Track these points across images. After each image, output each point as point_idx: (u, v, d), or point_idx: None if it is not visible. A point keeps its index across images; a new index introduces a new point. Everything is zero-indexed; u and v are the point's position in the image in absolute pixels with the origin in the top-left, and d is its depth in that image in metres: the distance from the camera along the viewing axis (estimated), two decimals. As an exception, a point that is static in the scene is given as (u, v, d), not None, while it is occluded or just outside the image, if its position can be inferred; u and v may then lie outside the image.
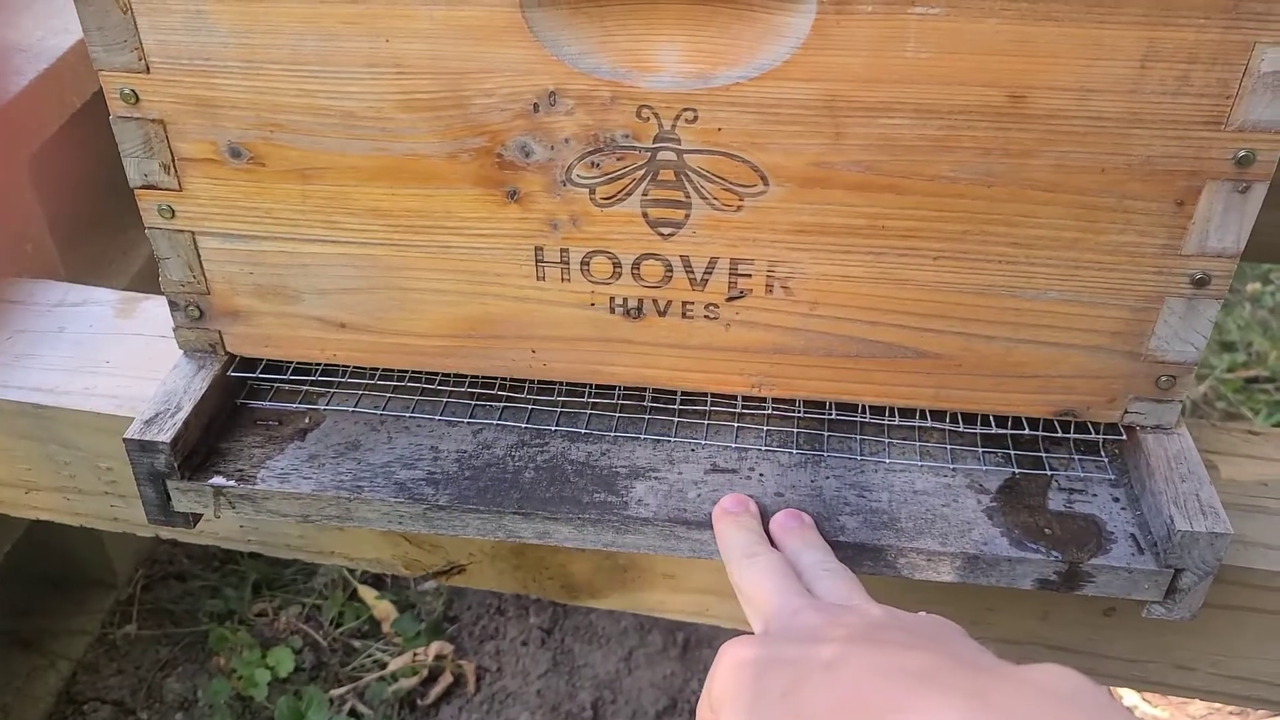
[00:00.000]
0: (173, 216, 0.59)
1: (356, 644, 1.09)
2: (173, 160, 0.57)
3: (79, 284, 0.83)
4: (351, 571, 1.13)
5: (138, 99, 0.55)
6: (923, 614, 0.47)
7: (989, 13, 0.48)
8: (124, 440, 0.59)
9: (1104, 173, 0.52)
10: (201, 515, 0.62)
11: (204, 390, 0.61)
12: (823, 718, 0.39)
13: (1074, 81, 0.49)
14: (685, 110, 0.52)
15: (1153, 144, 0.51)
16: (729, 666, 0.45)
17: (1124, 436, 0.60)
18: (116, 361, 0.73)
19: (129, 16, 0.53)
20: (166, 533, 0.74)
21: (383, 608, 1.10)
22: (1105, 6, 0.47)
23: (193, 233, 0.59)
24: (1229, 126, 0.50)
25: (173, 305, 0.62)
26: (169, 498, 0.60)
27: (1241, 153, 0.50)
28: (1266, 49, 0.47)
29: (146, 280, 1.00)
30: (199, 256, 0.60)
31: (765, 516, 0.57)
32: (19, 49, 0.87)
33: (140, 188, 0.58)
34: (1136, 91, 0.49)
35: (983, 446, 0.62)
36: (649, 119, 0.53)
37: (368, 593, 1.12)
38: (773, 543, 0.55)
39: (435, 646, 1.09)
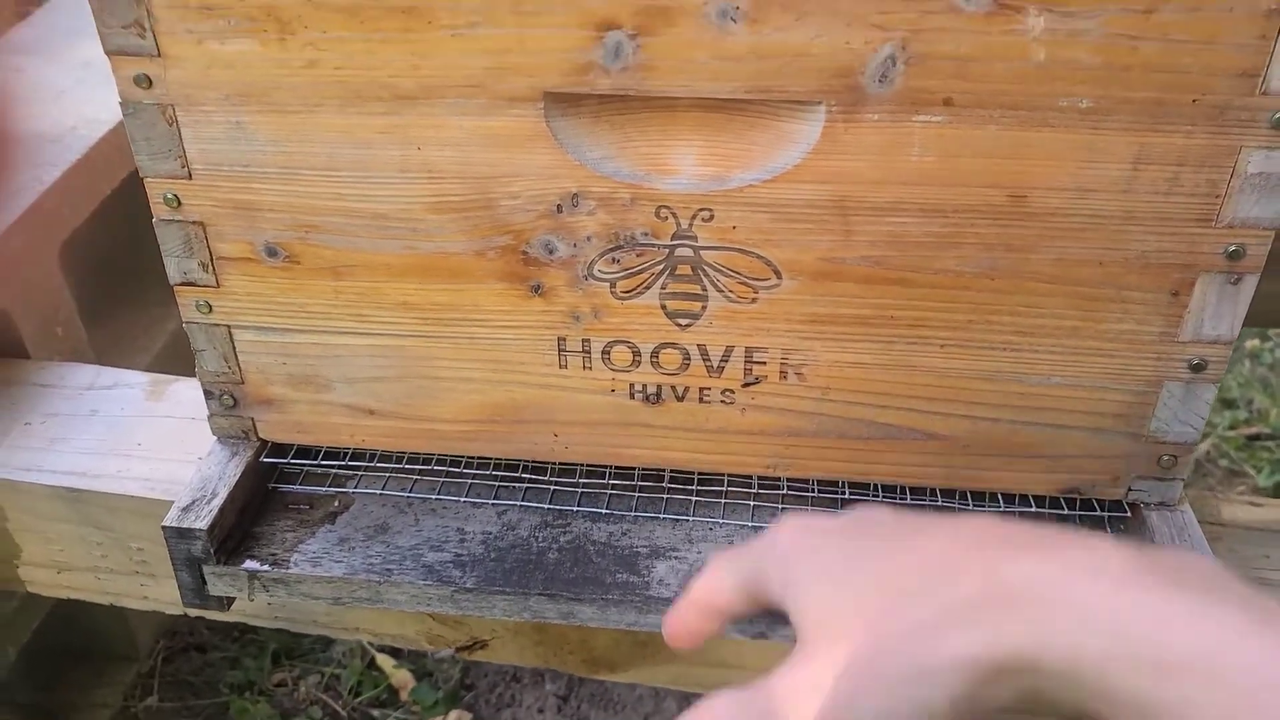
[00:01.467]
0: (210, 311, 0.61)
1: (375, 713, 1.10)
2: (211, 259, 0.60)
3: (107, 364, 0.86)
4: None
5: (180, 203, 0.58)
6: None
7: (988, 120, 0.51)
8: (163, 527, 0.61)
9: (1102, 266, 0.54)
10: (235, 598, 0.64)
11: (238, 476, 0.64)
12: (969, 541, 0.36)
13: (1070, 182, 0.52)
14: (701, 210, 0.55)
15: (1147, 239, 0.53)
16: (800, 529, 0.41)
17: (1129, 513, 0.62)
18: (148, 444, 0.76)
19: (174, 128, 0.55)
20: (198, 611, 0.76)
21: (401, 676, 1.11)
22: (1097, 114, 0.50)
23: (229, 326, 0.62)
24: (1219, 223, 0.52)
25: (208, 394, 0.65)
26: (204, 582, 0.62)
27: (1232, 247, 0.53)
28: (1252, 153, 0.50)
29: (170, 356, 1.02)
30: (234, 349, 0.63)
31: None
32: (52, 139, 0.90)
33: (180, 285, 0.61)
34: (1130, 191, 0.52)
35: (992, 523, 0.63)
36: (667, 218, 0.56)
37: (386, 661, 1.13)
38: None
39: (453, 715, 1.10)
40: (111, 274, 1.01)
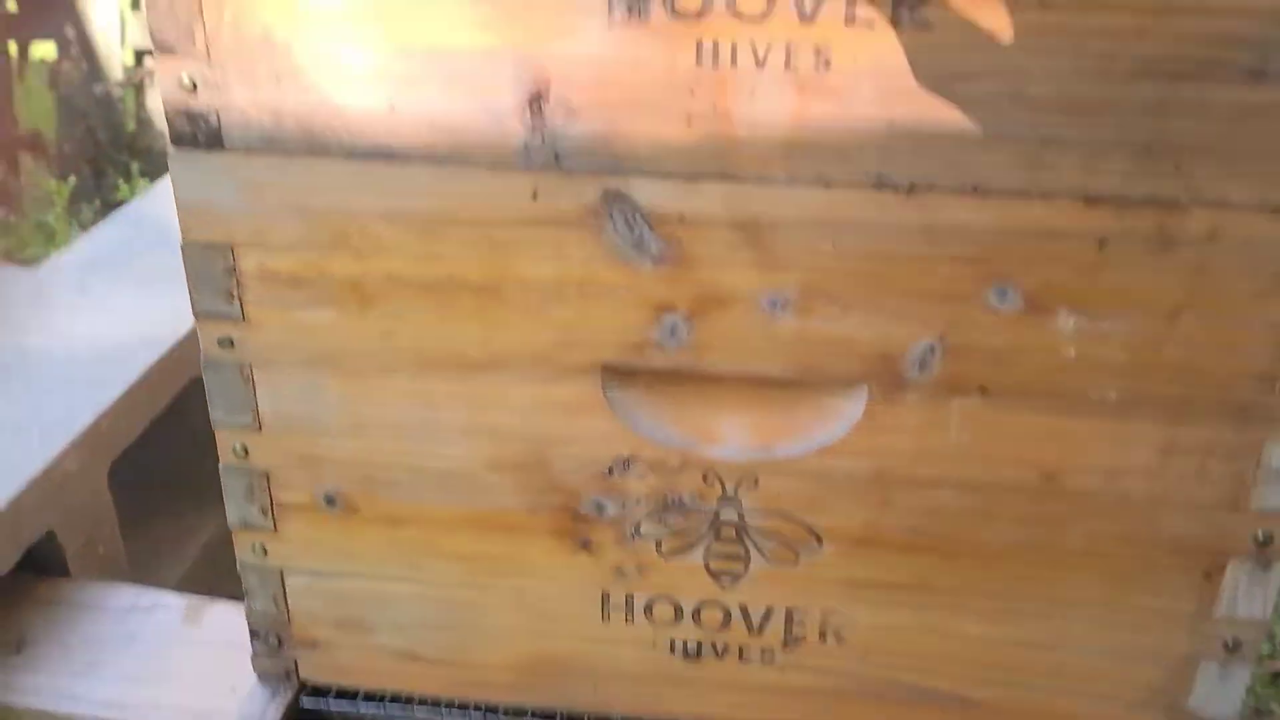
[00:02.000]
0: (265, 555, 0.63)
1: None
2: (271, 506, 0.62)
3: (142, 574, 0.87)
4: None
5: (248, 453, 0.61)
6: None
7: (1022, 407, 0.54)
8: (199, 774, 0.60)
9: (1134, 545, 0.56)
10: None
11: (278, 719, 0.64)
12: None
13: (1102, 465, 0.55)
14: (746, 477, 0.58)
15: (1178, 523, 0.55)
16: None
17: (1170, 787, 0.62)
18: (183, 672, 0.75)
19: (250, 386, 0.59)
20: None
21: None
22: (1126, 406, 0.53)
23: (282, 570, 0.63)
24: (1248, 511, 0.54)
25: (254, 634, 0.66)
26: (235, 831, 0.62)
27: (1261, 534, 0.55)
28: (1275, 446, 0.53)
29: (204, 566, 1.03)
30: (285, 591, 0.64)
31: None
32: (112, 360, 0.94)
33: (238, 528, 0.63)
34: (1160, 477, 0.54)
35: (1031, 791, 0.63)
36: (714, 484, 0.58)
37: None
38: None
39: None
40: (153, 486, 1.03)
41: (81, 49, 2.42)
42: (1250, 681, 0.58)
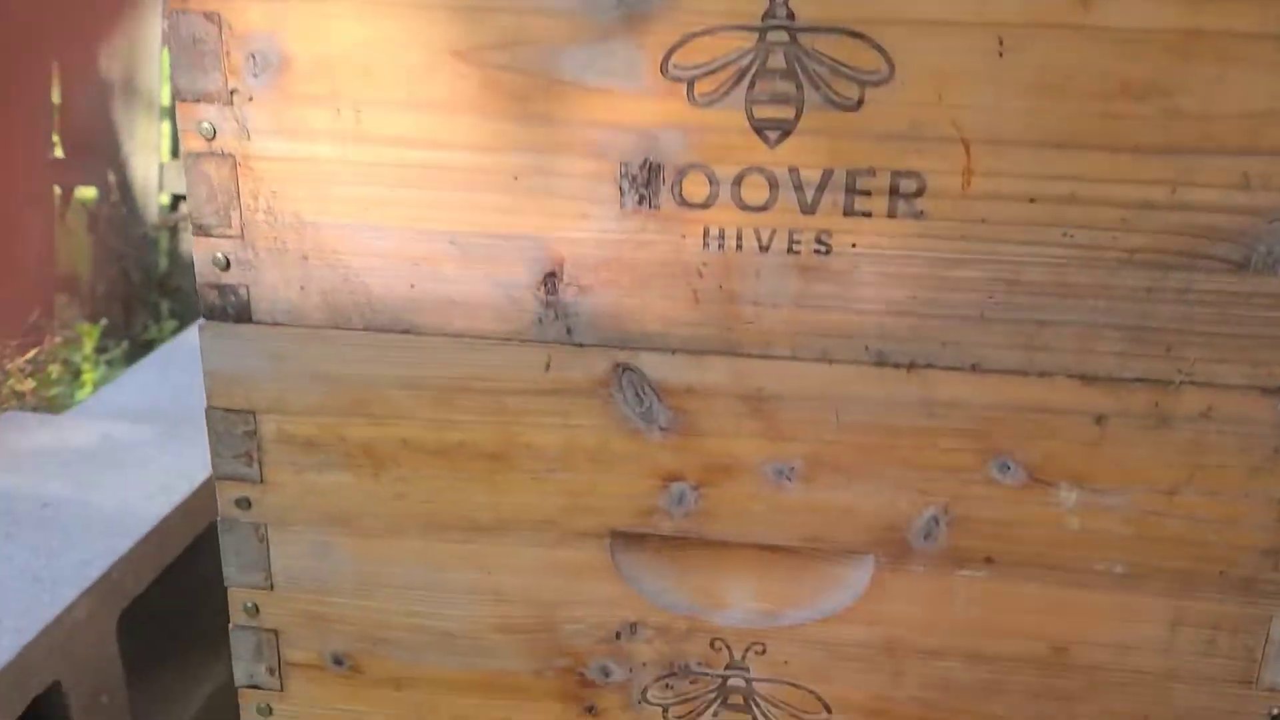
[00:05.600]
0: (270, 714, 0.63)
1: None
2: (279, 664, 0.62)
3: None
4: None
5: (258, 612, 0.61)
6: None
7: (1029, 578, 0.54)
8: None
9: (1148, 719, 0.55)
10: None
11: None
12: None
13: (1111, 639, 0.54)
14: (755, 644, 0.58)
15: (1190, 697, 0.55)
16: None
17: None
18: (180, 835, 0.74)
19: (264, 545, 0.60)
20: None
21: None
22: (1133, 579, 0.53)
23: (286, 731, 0.63)
24: (1260, 686, 0.54)
25: (254, 798, 0.65)
26: None
27: (1275, 711, 0.54)
28: (1283, 622, 0.53)
29: (209, 717, 1.02)
30: (288, 753, 0.63)
31: None
32: (129, 510, 0.95)
33: (245, 687, 0.63)
34: (1170, 651, 0.54)
35: None
36: (721, 649, 0.58)
37: None
38: None
39: None
40: (160, 634, 1.03)
41: (121, 194, 2.52)
42: None
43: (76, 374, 2.12)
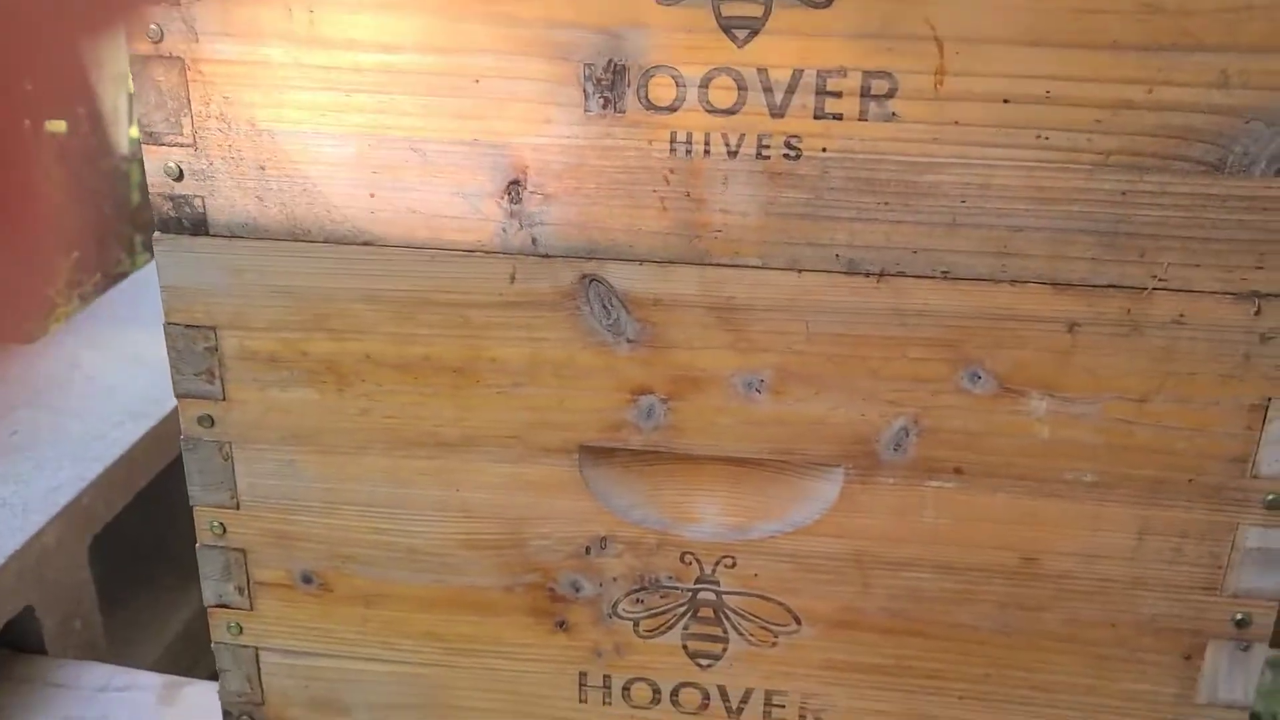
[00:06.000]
0: (240, 633, 0.63)
1: None
2: (248, 584, 0.62)
3: (120, 652, 0.86)
4: None
5: (225, 531, 0.60)
6: None
7: (998, 488, 0.54)
8: None
9: (1114, 628, 0.56)
10: None
11: (247, 804, 0.63)
12: None
13: (1079, 548, 0.55)
14: (725, 557, 0.57)
15: (1157, 605, 0.55)
16: None
17: None
18: (156, 755, 0.75)
19: (229, 464, 0.59)
20: None
21: None
22: (1101, 488, 0.53)
23: (256, 648, 0.63)
24: (1224, 593, 0.54)
25: (227, 714, 0.65)
26: None
27: (1239, 616, 0.54)
28: (1249, 529, 0.53)
29: (184, 643, 1.02)
30: (259, 670, 0.63)
31: None
32: (97, 436, 0.94)
33: (214, 606, 0.62)
34: (1137, 559, 0.54)
35: None
36: (691, 563, 0.58)
37: None
38: None
39: None
40: (133, 562, 1.02)
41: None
42: (1234, 769, 0.58)
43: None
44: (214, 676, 0.67)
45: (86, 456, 0.92)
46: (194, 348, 0.57)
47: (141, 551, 1.04)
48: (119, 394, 1.00)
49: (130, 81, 0.52)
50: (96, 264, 2.35)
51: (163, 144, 0.53)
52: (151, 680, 0.82)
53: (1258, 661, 0.55)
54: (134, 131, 2.57)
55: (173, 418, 0.99)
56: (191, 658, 1.03)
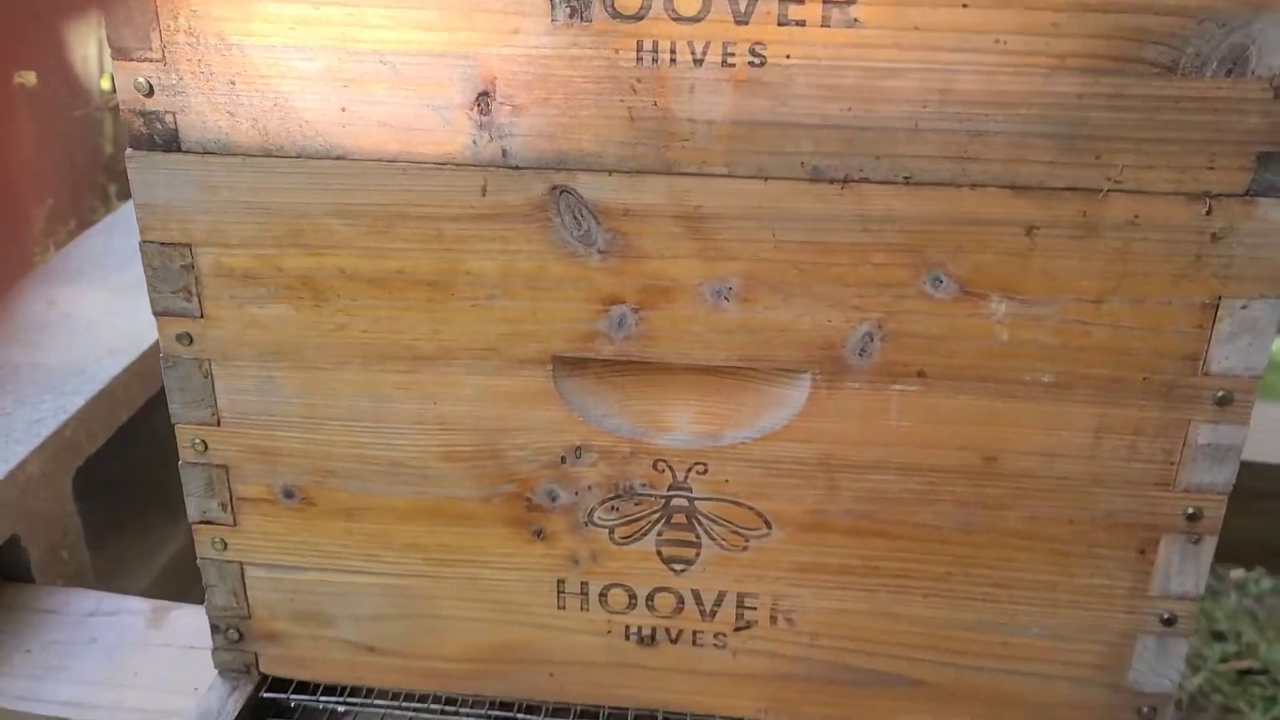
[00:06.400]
0: (225, 549, 0.64)
1: None
2: (231, 500, 0.63)
3: (108, 586, 0.87)
4: None
5: (207, 448, 0.62)
6: None
7: (960, 390, 0.56)
8: (159, 767, 0.61)
9: (1073, 524, 0.58)
10: (223, 841, 0.64)
11: (237, 712, 0.64)
12: None
13: (1039, 447, 0.56)
14: (696, 464, 0.59)
15: (1113, 501, 0.57)
16: None
17: (1114, 764, 0.63)
18: (145, 674, 0.76)
19: (209, 381, 0.60)
20: None
21: None
22: (1059, 388, 0.55)
23: (241, 563, 0.64)
24: (1177, 488, 0.56)
25: (214, 628, 0.66)
26: (195, 824, 0.62)
27: (1190, 510, 0.56)
28: (1200, 425, 0.55)
29: (171, 577, 1.04)
30: (244, 585, 0.65)
31: None
32: (77, 370, 0.95)
33: (198, 522, 0.64)
34: (1094, 457, 0.56)
35: (980, 772, 0.64)
36: (664, 470, 0.59)
37: None
38: None
39: None
40: (120, 496, 1.03)
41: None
42: (1185, 653, 0.60)
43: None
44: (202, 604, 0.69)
45: (67, 390, 0.92)
46: (170, 265, 0.57)
47: (127, 488, 1.05)
48: (97, 330, 1.01)
49: (102, 30, 0.52)
50: (71, 212, 2.33)
51: (132, 59, 0.53)
52: (140, 605, 0.83)
53: (1207, 554, 0.58)
54: (105, 82, 2.54)
55: (152, 353, 1.00)
56: (178, 590, 1.04)
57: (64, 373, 0.94)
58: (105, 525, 1.01)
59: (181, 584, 1.03)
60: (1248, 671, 1.39)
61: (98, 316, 1.03)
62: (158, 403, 0.99)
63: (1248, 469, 1.04)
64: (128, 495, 1.05)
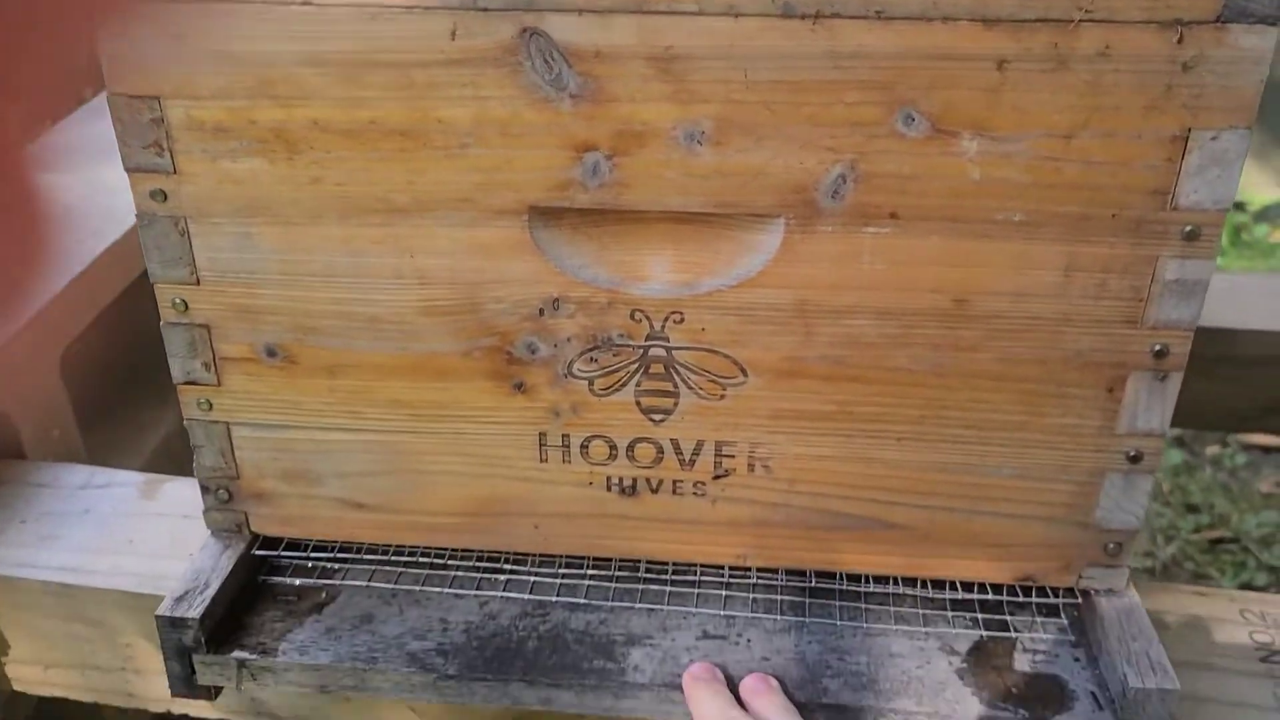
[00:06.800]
0: (210, 409, 0.65)
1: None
2: (214, 359, 0.63)
3: (101, 466, 0.88)
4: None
5: (187, 307, 0.62)
6: None
7: (931, 231, 0.56)
8: (156, 616, 0.63)
9: (1043, 364, 0.59)
10: (223, 688, 0.66)
11: (230, 569, 0.66)
12: None
13: (1009, 287, 0.57)
14: (673, 313, 0.60)
15: (1082, 340, 0.58)
16: None
17: (1080, 599, 0.66)
18: (140, 541, 0.78)
19: (185, 238, 0.60)
20: (180, 707, 0.77)
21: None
22: (1030, 226, 0.55)
23: (227, 423, 0.65)
24: (1145, 325, 0.57)
25: (204, 489, 0.68)
26: (193, 671, 0.64)
27: (1158, 347, 0.57)
28: (1168, 261, 0.55)
29: (163, 459, 1.05)
30: (231, 445, 0.66)
31: (732, 682, 0.62)
32: (59, 252, 0.94)
33: (183, 383, 0.65)
34: (1064, 296, 0.57)
35: (952, 611, 0.67)
36: (641, 320, 0.60)
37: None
38: (741, 705, 0.59)
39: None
40: (108, 380, 1.04)
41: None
42: (1150, 490, 0.62)
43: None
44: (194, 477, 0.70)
45: (42, 275, 0.92)
46: (139, 119, 0.57)
47: (115, 372, 1.06)
48: (75, 214, 1.00)
49: None
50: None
51: (90, -99, 0.52)
52: (132, 477, 0.85)
53: (1173, 391, 0.59)
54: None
55: (133, 236, 0.99)
56: (170, 472, 1.06)
57: (40, 257, 0.94)
58: (95, 410, 1.02)
59: (172, 467, 1.05)
60: (1219, 541, 1.43)
61: (75, 200, 1.02)
62: (141, 288, 0.99)
63: (1220, 335, 1.06)
64: (116, 379, 1.06)
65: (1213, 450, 1.59)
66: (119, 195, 1.05)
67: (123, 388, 1.07)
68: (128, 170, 0.59)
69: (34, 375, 0.87)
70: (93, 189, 1.05)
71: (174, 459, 1.06)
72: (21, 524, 0.80)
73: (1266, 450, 1.58)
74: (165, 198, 0.59)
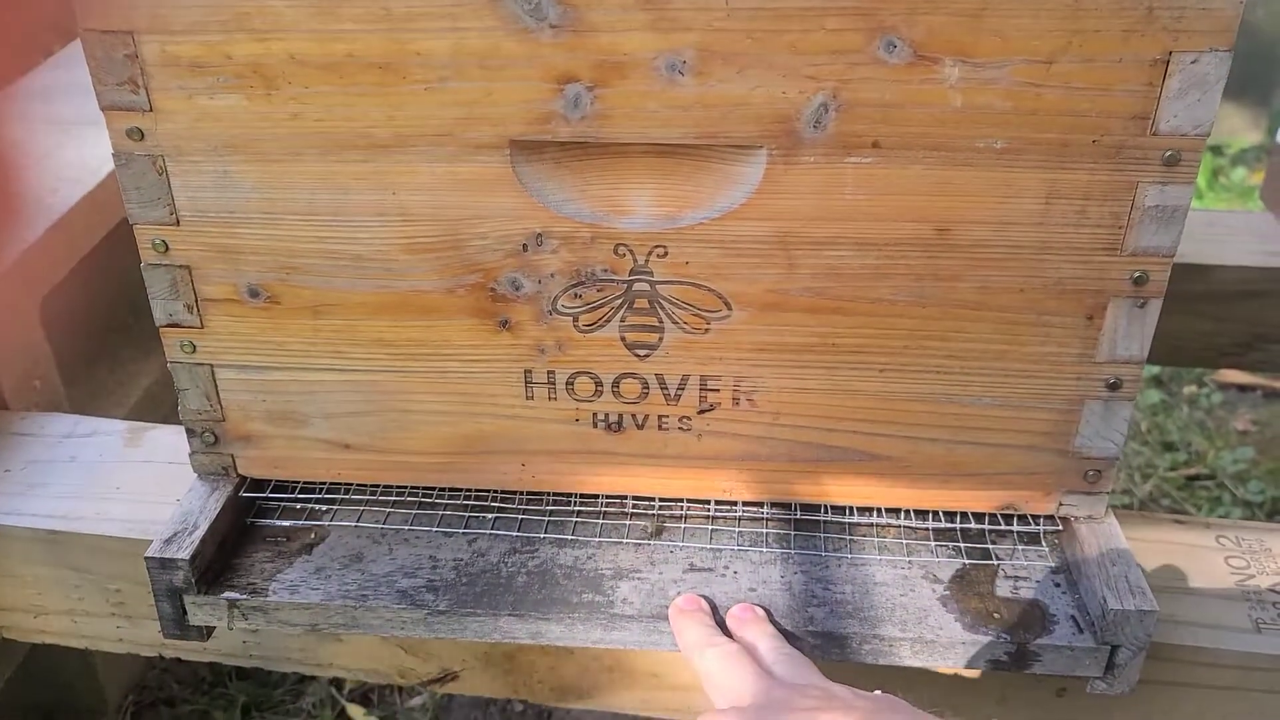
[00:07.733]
0: (194, 351, 0.65)
1: (346, 767, 1.11)
2: (196, 301, 0.63)
3: (85, 415, 0.88)
4: (339, 689, 1.15)
5: (168, 248, 0.62)
6: (878, 692, 0.52)
7: (913, 160, 0.56)
8: (145, 558, 0.63)
9: (1023, 292, 0.59)
10: (214, 629, 0.66)
11: (218, 510, 0.66)
12: None
13: (991, 216, 0.57)
14: (656, 247, 0.60)
15: (1062, 267, 0.58)
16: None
17: (1060, 527, 0.67)
18: (126, 487, 0.78)
19: (163, 178, 0.59)
20: (173, 650, 0.78)
21: (373, 730, 1.12)
22: (1011, 154, 0.56)
23: (211, 365, 0.65)
24: (1124, 252, 0.58)
25: (190, 432, 0.68)
26: (185, 612, 0.65)
27: (1137, 274, 0.58)
28: (1148, 188, 0.56)
29: (145, 409, 1.05)
30: (216, 387, 0.66)
31: (718, 614, 0.62)
32: (34, 200, 0.93)
33: (165, 326, 0.64)
34: (1044, 224, 0.57)
35: (935, 540, 0.68)
36: (625, 255, 0.60)
37: (356, 710, 1.14)
38: (727, 634, 0.60)
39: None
40: (89, 329, 1.04)
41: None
42: (1130, 418, 0.63)
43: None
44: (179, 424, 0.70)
45: (25, 224, 0.91)
46: (113, 55, 0.56)
47: (96, 323, 1.06)
48: (51, 162, 0.99)
49: None
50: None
51: None
52: (116, 425, 0.84)
53: (1152, 318, 0.59)
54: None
55: (109, 183, 0.98)
56: (154, 422, 1.06)
57: (20, 206, 0.93)
58: (78, 360, 1.02)
59: (156, 417, 1.05)
60: (1195, 477, 1.45)
61: (52, 147, 1.01)
62: (122, 235, 0.98)
63: (1198, 270, 1.06)
64: (99, 329, 1.06)
65: (1190, 390, 1.61)
66: (92, 144, 1.04)
67: (105, 338, 1.07)
68: (103, 108, 0.58)
69: (14, 324, 0.87)
70: (62, 137, 1.04)
71: (158, 409, 1.06)
72: (6, 473, 0.80)
73: (1243, 389, 1.60)
74: (142, 136, 0.58)
